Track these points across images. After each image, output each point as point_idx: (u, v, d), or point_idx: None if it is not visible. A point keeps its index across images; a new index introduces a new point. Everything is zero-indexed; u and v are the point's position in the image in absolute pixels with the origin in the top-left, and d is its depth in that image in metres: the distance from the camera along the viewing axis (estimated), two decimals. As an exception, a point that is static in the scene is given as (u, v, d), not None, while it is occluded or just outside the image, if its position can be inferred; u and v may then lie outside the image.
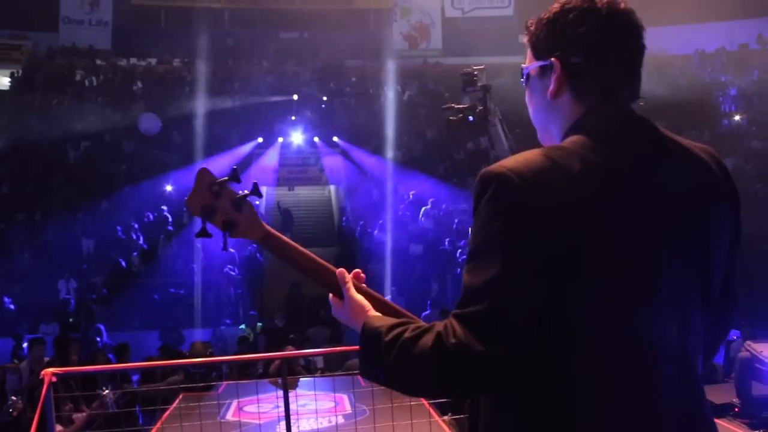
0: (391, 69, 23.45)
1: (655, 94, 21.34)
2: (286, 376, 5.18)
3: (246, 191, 1.51)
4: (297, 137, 21.70)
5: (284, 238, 1.60)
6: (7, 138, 19.23)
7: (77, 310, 12.97)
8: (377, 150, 20.33)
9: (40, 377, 4.44)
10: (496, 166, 1.31)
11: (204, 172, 1.53)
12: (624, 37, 1.43)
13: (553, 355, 1.27)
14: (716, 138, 21.35)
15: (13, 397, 7.26)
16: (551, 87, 1.43)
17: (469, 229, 1.33)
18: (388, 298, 11.43)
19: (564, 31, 1.41)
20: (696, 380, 1.38)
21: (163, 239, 15.33)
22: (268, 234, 1.57)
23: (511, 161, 1.31)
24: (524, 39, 1.52)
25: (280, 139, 21.38)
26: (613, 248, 1.27)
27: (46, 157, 18.66)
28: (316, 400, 6.67)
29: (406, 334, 1.33)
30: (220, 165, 19.16)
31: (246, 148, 20.41)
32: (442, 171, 19.88)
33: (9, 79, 24.46)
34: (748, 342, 6.56)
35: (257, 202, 18.98)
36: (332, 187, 21.28)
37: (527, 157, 1.31)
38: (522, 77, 1.54)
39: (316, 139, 21.55)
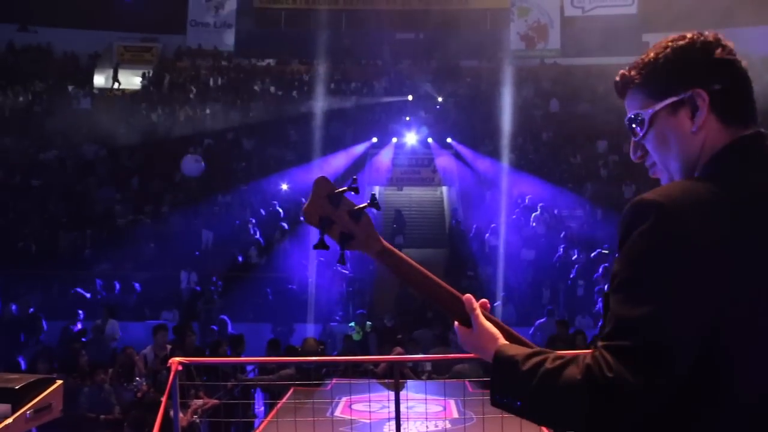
0: (507, 70, 23.08)
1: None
2: (398, 378, 5.13)
3: (365, 203, 1.48)
4: (411, 138, 21.77)
5: (400, 254, 1.56)
6: (138, 135, 20.40)
7: (198, 299, 13.54)
8: (491, 152, 20.07)
9: (167, 365, 4.61)
10: (653, 196, 1.30)
11: (322, 181, 1.51)
12: (744, 67, 1.45)
13: (702, 395, 1.26)
14: None
15: (138, 378, 7.64)
16: (702, 115, 1.39)
17: (614, 257, 1.32)
18: (498, 303, 11.27)
19: (696, 61, 1.41)
20: None
21: (277, 235, 15.75)
22: (384, 249, 1.53)
23: (668, 191, 1.31)
24: (628, 85, 1.50)
25: (394, 140, 21.52)
26: (763, 292, 1.25)
27: (172, 154, 19.65)
28: (426, 403, 6.60)
29: (548, 364, 1.31)
30: (335, 164, 19.54)
31: (360, 147, 20.68)
32: (557, 175, 19.37)
33: (141, 79, 25.96)
34: None
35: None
36: (444, 189, 21.20)
37: (680, 189, 1.31)
38: (633, 127, 1.48)
39: (429, 140, 21.54)
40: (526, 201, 17.70)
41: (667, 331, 1.22)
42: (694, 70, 1.41)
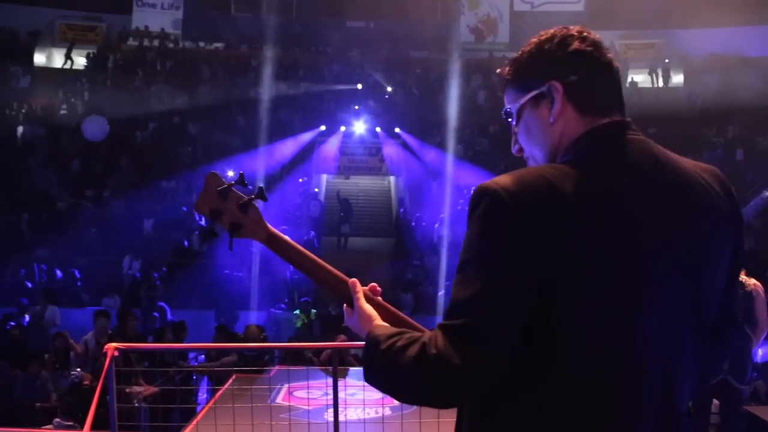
0: (456, 62, 23.26)
1: (730, 96, 20.67)
2: (337, 365, 5.19)
3: (252, 195, 1.59)
4: (359, 126, 21.80)
5: (288, 240, 1.64)
6: (80, 116, 19.89)
7: (140, 286, 13.36)
8: (439, 143, 20.24)
9: (104, 350, 4.57)
10: (490, 182, 1.33)
11: (212, 176, 1.61)
12: (604, 54, 1.47)
13: (534, 368, 1.30)
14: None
15: (78, 369, 7.52)
16: (557, 107, 1.44)
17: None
18: (441, 292, 11.44)
19: (553, 55, 1.45)
20: (677, 418, 1.37)
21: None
22: (271, 236, 1.63)
23: (505, 178, 1.33)
24: (502, 83, 1.56)
25: (343, 128, 21.51)
26: (597, 274, 1.28)
27: (115, 136, 19.24)
28: (364, 390, 6.70)
29: (399, 343, 1.36)
30: (282, 151, 19.45)
31: (308, 135, 20.62)
32: (503, 167, 19.65)
33: (84, 59, 25.26)
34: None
35: (316, 189, 19.19)
36: (392, 178, 21.33)
37: (522, 174, 1.33)
38: (510, 119, 1.56)
39: (378, 129, 21.60)
40: (472, 191, 17.94)
41: (488, 311, 1.26)
42: (551, 64, 1.45)
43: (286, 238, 1.64)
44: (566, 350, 1.29)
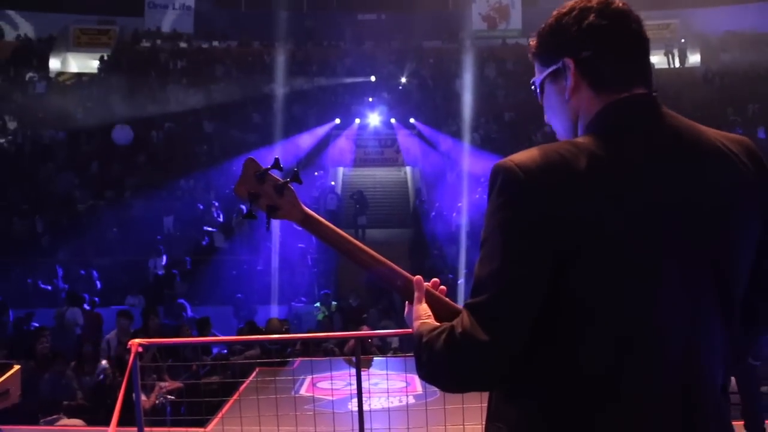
0: (469, 50, 23.15)
1: (748, 70, 20.37)
2: (360, 355, 5.19)
3: (288, 179, 1.64)
4: (374, 118, 21.77)
5: (325, 222, 1.67)
6: (97, 119, 20.05)
7: (162, 284, 13.44)
8: (454, 132, 20.16)
9: (127, 347, 4.60)
10: (506, 160, 1.33)
11: (250, 162, 1.66)
12: (627, 26, 1.43)
13: (559, 342, 1.30)
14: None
15: (104, 362, 7.59)
16: (569, 84, 1.43)
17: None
18: (461, 280, 11.38)
19: (568, 30, 1.43)
20: (709, 390, 1.33)
21: (236, 218, 15.70)
22: (307, 216, 1.66)
23: (521, 155, 1.33)
24: (531, 55, 1.55)
25: (357, 121, 21.49)
26: (612, 248, 1.27)
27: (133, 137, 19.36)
28: (387, 380, 6.70)
29: (434, 332, 1.39)
30: (297, 146, 19.47)
31: (323, 129, 20.63)
32: (519, 154, 19.57)
33: (98, 63, 25.46)
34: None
35: (332, 182, 19.18)
36: (408, 169, 21.28)
37: (537, 151, 1.32)
38: (536, 92, 1.56)
39: (392, 120, 21.56)
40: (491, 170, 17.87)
41: (507, 285, 1.27)
42: (565, 39, 1.43)
43: (322, 219, 1.66)
44: (584, 323, 1.29)
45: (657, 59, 25.68)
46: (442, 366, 1.35)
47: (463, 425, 4.55)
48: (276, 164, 1.64)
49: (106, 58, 25.53)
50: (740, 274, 1.37)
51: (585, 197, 1.27)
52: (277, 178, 1.65)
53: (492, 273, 1.28)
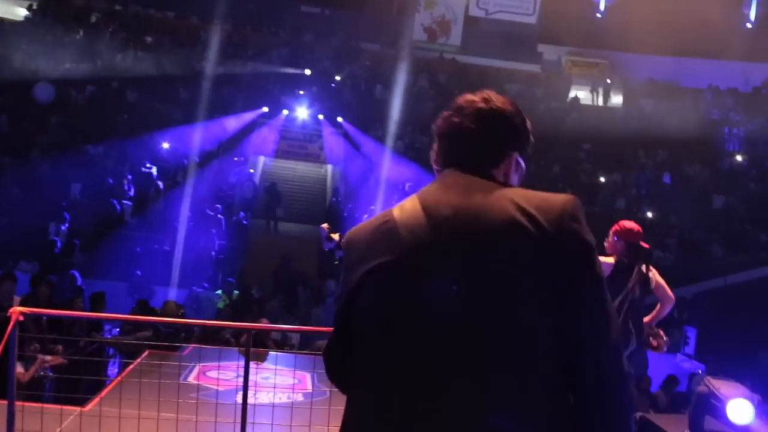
0: (406, 58, 23.38)
1: (662, 123, 21.46)
2: (250, 347, 5.21)
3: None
4: (302, 112, 21.70)
5: None
6: (14, 70, 19.13)
7: (61, 252, 12.98)
8: (380, 137, 20.33)
9: (8, 314, 4.47)
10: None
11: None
12: (455, 122, 1.76)
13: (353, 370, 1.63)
14: (715, 175, 21.47)
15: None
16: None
17: None
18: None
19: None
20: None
21: (153, 193, 15.35)
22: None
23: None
24: None
25: (285, 112, 21.37)
26: (375, 295, 1.56)
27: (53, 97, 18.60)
28: (275, 374, 6.75)
29: None
30: (221, 128, 19.19)
31: (250, 115, 20.39)
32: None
33: (25, 11, 24.28)
34: (708, 377, 6.61)
35: (251, 170, 19.01)
36: (329, 167, 21.31)
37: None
38: None
39: (320, 116, 21.54)
40: (406, 187, 18.13)
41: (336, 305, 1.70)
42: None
43: None
44: (359, 359, 1.61)
45: (583, 95, 26.69)
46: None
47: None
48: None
49: (34, 7, 24.38)
50: (524, 329, 1.49)
51: (365, 252, 1.65)
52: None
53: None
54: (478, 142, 1.71)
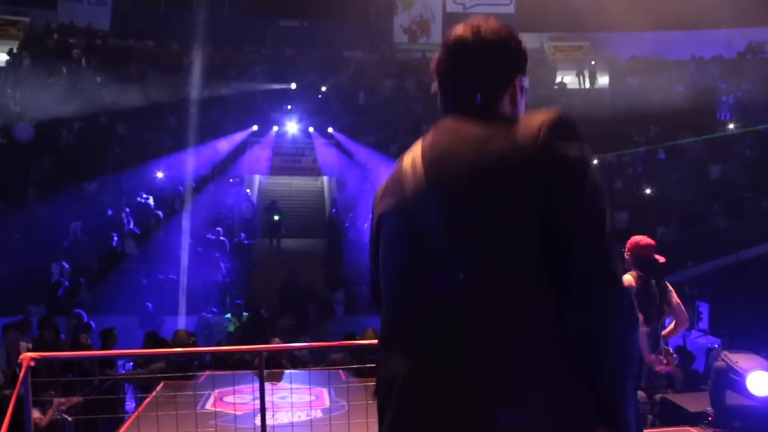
0: (389, 62, 23.43)
1: (651, 99, 21.48)
2: (263, 368, 5.19)
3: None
4: (292, 126, 21.71)
5: None
6: (1, 115, 19.15)
7: (67, 292, 12.95)
8: (372, 143, 20.34)
9: (18, 361, 4.46)
10: None
11: None
12: (448, 64, 1.78)
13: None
14: (709, 145, 21.47)
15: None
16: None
17: None
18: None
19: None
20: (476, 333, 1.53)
21: (153, 223, 15.36)
22: None
23: None
24: None
25: (275, 128, 21.38)
26: (381, 225, 1.76)
27: (39, 136, 18.60)
28: (291, 393, 6.74)
29: None
30: (213, 151, 19.20)
31: (240, 135, 20.41)
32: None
33: (6, 56, 24.32)
34: (725, 352, 6.62)
35: (248, 191, 19.02)
36: (325, 178, 21.31)
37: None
38: None
39: (311, 129, 21.56)
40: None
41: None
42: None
43: None
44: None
45: (569, 79, 26.72)
46: None
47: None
48: None
49: (14, 50, 24.42)
50: (509, 240, 1.55)
51: (378, 195, 1.85)
52: None
53: None
54: (476, 80, 1.72)
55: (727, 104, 23.51)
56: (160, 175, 17.64)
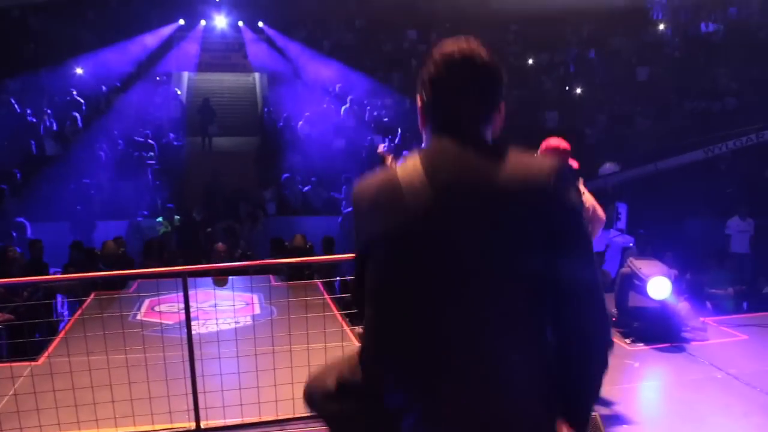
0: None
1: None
2: (187, 292, 5.10)
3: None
4: (221, 21, 20.87)
5: None
6: None
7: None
8: (304, 38, 19.82)
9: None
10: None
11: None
12: (437, 80, 1.81)
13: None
14: (641, 46, 21.72)
15: None
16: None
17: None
18: (308, 187, 11.55)
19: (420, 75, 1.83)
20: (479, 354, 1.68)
21: (69, 126, 14.82)
22: None
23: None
24: None
25: (203, 22, 20.53)
26: (376, 246, 1.75)
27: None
28: (216, 299, 6.88)
29: None
30: (138, 47, 18.39)
31: (166, 30, 19.55)
32: (369, 63, 19.62)
33: None
34: (630, 258, 7.10)
35: (178, 92, 18.45)
36: (257, 75, 20.78)
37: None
38: None
39: (240, 23, 20.79)
40: (337, 89, 17.91)
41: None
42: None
43: None
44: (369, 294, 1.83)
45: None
46: None
47: (290, 346, 4.75)
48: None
49: None
50: (507, 272, 1.68)
51: (370, 210, 1.82)
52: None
53: None
54: (477, 104, 1.80)
55: (660, 4, 23.65)
56: (79, 71, 16.88)
